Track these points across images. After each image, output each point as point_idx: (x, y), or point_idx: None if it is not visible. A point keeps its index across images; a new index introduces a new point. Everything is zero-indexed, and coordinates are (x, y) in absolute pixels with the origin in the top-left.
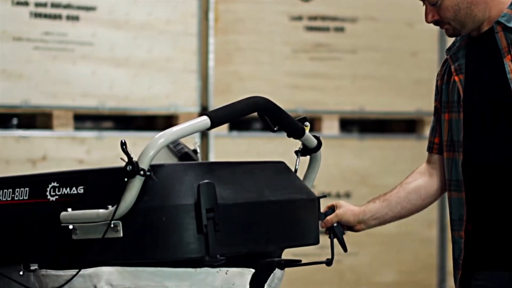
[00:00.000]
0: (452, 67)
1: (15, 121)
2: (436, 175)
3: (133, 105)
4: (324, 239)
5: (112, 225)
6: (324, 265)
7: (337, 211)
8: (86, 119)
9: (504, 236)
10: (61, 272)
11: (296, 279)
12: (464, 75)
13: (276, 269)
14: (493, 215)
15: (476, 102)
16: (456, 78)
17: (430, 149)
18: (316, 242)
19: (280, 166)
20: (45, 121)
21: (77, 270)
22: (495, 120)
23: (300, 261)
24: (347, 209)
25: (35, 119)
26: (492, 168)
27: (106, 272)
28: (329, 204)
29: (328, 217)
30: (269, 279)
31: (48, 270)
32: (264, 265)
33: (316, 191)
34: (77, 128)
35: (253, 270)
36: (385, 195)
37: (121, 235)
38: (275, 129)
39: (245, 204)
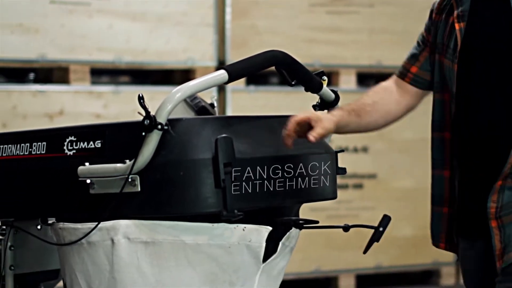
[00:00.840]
0: (455, 12)
1: (31, 75)
2: (405, 106)
3: (150, 59)
4: (341, 194)
5: (129, 180)
6: (340, 218)
7: (321, 124)
8: (102, 74)
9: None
10: (78, 226)
11: (313, 233)
12: (466, 24)
13: (293, 228)
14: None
15: (477, 54)
16: (457, 26)
17: (402, 75)
18: (334, 197)
19: None
20: (61, 75)
21: (95, 224)
22: (500, 75)
23: (317, 222)
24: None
25: (52, 73)
26: (490, 131)
27: (124, 225)
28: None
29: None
30: (285, 237)
31: (65, 224)
32: (280, 223)
33: (334, 146)
34: (93, 82)
35: (270, 228)
36: (356, 110)
37: (139, 189)
38: (293, 83)
39: (263, 158)
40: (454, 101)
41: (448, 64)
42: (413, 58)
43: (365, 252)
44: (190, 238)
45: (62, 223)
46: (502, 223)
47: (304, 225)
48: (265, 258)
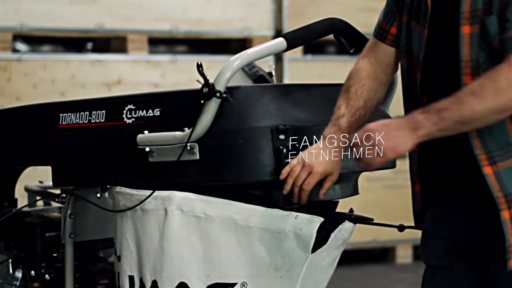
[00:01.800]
0: None
1: (90, 45)
2: (388, 80)
3: (206, 28)
4: (399, 163)
5: (188, 148)
6: (397, 189)
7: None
8: (160, 43)
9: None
10: (134, 192)
11: (370, 203)
12: None
13: (346, 221)
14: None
15: (441, 19)
16: None
17: (382, 37)
18: (393, 166)
19: None
20: (119, 45)
21: (151, 192)
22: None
23: (372, 219)
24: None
25: (110, 43)
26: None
27: (179, 197)
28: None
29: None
30: (337, 229)
31: (122, 188)
32: (334, 216)
33: (392, 115)
34: (151, 51)
35: (322, 219)
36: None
37: (197, 157)
38: (351, 51)
39: (321, 126)
40: (420, 69)
41: (418, 28)
42: (387, 16)
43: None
44: (241, 218)
45: (119, 187)
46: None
47: (357, 222)
48: (315, 248)
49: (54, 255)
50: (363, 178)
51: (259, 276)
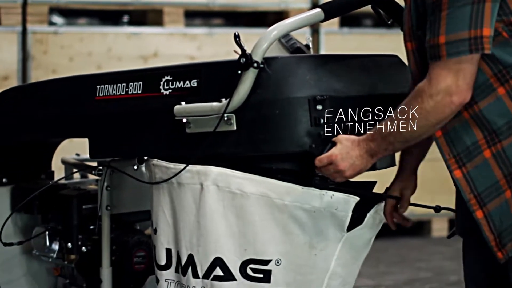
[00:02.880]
0: None
1: (126, 18)
2: None
3: (243, 1)
4: None
5: (225, 118)
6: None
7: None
8: (196, 16)
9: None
10: (171, 165)
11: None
12: None
13: (382, 202)
14: None
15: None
16: None
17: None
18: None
19: (393, 60)
20: (156, 17)
21: (185, 165)
22: None
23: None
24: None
25: (146, 16)
26: None
27: (215, 172)
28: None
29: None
30: (373, 209)
31: (159, 161)
32: (370, 196)
33: None
34: (187, 24)
35: (358, 198)
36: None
37: (234, 128)
38: (389, 22)
39: (358, 97)
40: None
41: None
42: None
43: (449, 237)
44: (276, 196)
45: (155, 160)
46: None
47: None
48: (351, 227)
49: (91, 227)
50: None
51: (294, 253)
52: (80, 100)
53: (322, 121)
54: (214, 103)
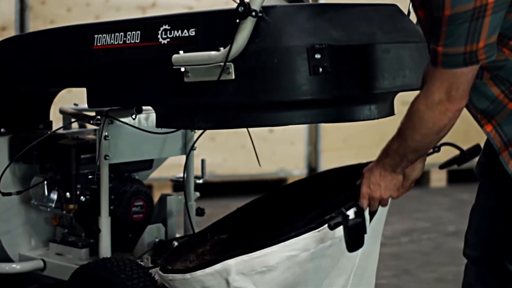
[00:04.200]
0: None
1: None
2: None
3: None
4: None
5: (224, 67)
6: None
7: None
8: None
9: None
10: (187, 275)
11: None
12: None
13: None
14: None
15: None
16: None
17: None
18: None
19: (393, 9)
20: None
21: (202, 271)
22: None
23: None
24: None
25: None
26: None
27: (233, 263)
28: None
29: None
30: None
31: (174, 275)
32: None
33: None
34: None
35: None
36: None
37: (233, 77)
38: None
39: (357, 46)
40: None
41: None
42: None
43: (441, 167)
44: (300, 251)
45: (171, 275)
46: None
47: None
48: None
49: (89, 177)
50: (399, 102)
51: (346, 274)
52: (78, 50)
53: (320, 70)
54: (213, 52)
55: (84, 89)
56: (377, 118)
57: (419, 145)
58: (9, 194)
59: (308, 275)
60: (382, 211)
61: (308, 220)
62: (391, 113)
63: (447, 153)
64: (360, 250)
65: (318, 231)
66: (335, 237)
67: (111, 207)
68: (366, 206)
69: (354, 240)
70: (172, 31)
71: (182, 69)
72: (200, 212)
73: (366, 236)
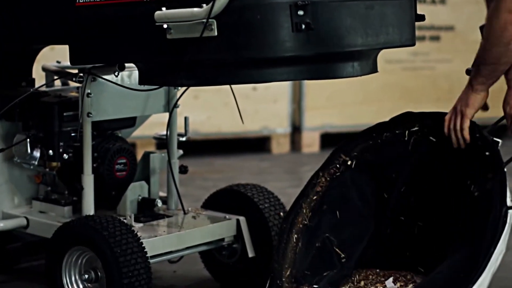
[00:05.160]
0: None
1: None
2: None
3: None
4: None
5: (206, 24)
6: (417, 70)
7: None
8: None
9: None
10: None
11: (389, 84)
12: None
13: None
14: None
15: None
16: None
17: None
18: (413, 43)
19: None
20: None
21: None
22: None
23: None
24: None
25: None
26: None
27: None
28: None
29: None
30: None
31: None
32: None
33: None
34: None
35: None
36: None
37: (216, 34)
38: None
39: (340, 2)
40: None
41: None
42: None
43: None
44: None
45: None
46: None
47: None
48: None
49: (72, 134)
50: (382, 60)
51: None
52: (61, 6)
53: (303, 26)
54: (195, 9)
55: (67, 47)
56: (360, 75)
57: (492, 57)
58: None
59: None
60: None
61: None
62: (374, 70)
63: None
64: None
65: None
66: None
67: (94, 165)
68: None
69: None
70: None
71: (165, 25)
72: (183, 169)
73: None
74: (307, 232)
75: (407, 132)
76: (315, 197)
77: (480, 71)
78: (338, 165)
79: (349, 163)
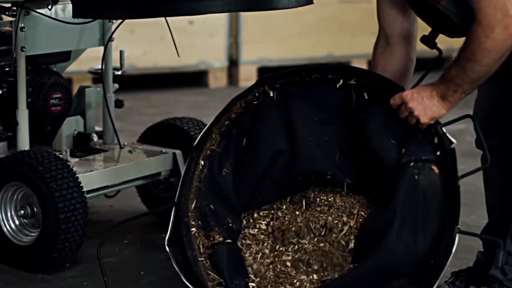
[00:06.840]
0: None
1: None
2: None
3: None
4: None
5: None
6: (353, 3)
7: None
8: None
9: None
10: None
11: (326, 18)
12: None
13: None
14: None
15: None
16: None
17: None
18: None
19: None
20: None
21: None
22: None
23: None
24: None
25: None
26: None
27: None
28: None
29: None
30: None
31: None
32: None
33: None
34: None
35: None
36: None
37: None
38: None
39: None
40: None
41: None
42: None
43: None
44: None
45: None
46: None
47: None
48: None
49: (6, 69)
50: None
51: None
52: None
53: None
54: None
55: None
56: (296, 7)
57: (478, 75)
58: None
59: None
60: None
61: None
62: (309, 1)
63: None
64: None
65: None
66: None
67: (29, 100)
68: (394, 103)
69: None
70: None
71: None
72: (119, 104)
73: None
74: (214, 157)
75: (341, 81)
76: (226, 122)
77: (462, 87)
78: (257, 94)
79: (271, 94)
